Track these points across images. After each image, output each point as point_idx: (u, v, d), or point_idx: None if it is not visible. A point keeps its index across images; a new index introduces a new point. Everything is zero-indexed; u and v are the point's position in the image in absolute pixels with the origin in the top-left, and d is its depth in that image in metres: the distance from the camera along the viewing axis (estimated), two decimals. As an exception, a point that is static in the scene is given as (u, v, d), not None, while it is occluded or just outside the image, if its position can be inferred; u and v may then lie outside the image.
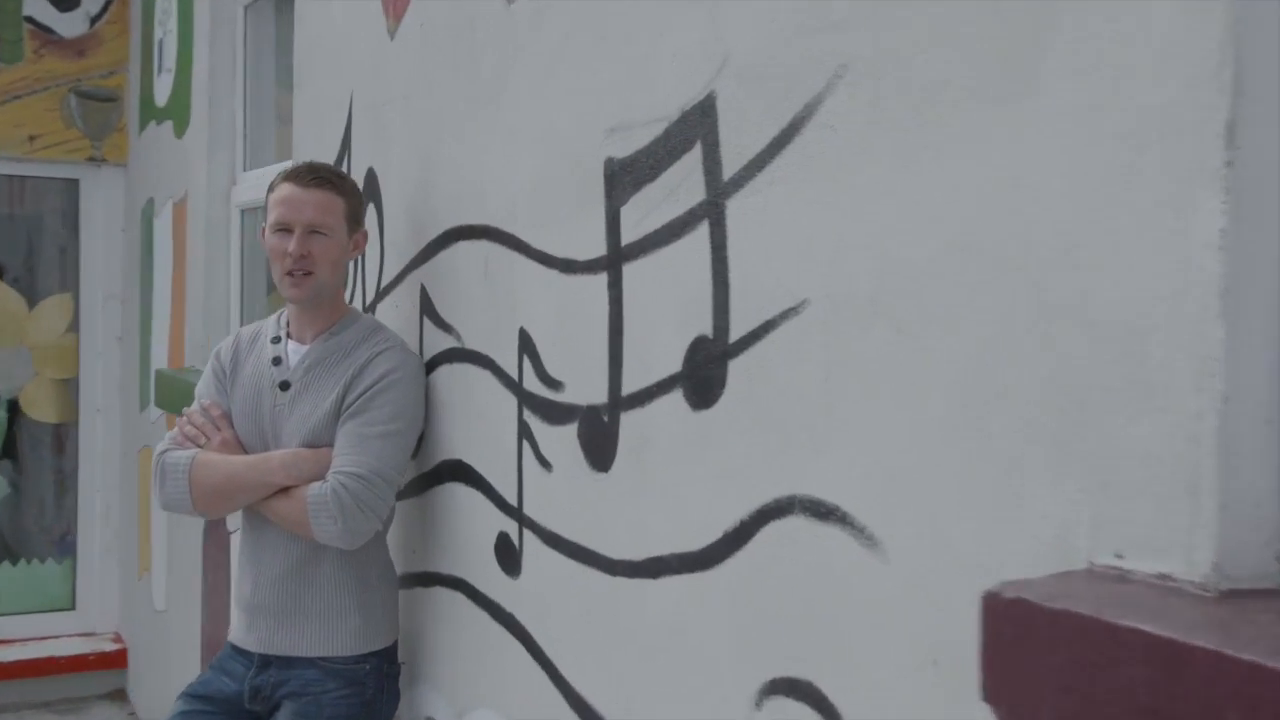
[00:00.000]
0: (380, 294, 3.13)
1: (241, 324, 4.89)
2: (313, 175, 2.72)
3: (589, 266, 2.21)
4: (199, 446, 2.78)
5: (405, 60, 2.97)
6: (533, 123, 2.40)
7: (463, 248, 2.69)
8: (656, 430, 2.02)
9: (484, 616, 2.60)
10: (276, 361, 2.80)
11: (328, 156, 3.46)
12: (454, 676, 2.74)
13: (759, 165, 1.78)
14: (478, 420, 2.61)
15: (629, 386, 2.10)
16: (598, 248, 2.18)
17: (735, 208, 1.83)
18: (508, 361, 2.49)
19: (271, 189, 2.78)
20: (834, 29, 1.63)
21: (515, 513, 2.46)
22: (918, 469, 1.51)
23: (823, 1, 1.65)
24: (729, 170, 1.85)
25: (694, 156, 1.93)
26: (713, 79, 1.88)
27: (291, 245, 2.68)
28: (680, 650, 1.96)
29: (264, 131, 4.94)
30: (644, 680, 2.05)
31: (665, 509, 2.00)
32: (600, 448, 2.17)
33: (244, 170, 4.95)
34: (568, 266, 2.28)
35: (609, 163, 2.15)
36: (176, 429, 2.84)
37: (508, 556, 2.49)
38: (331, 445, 2.69)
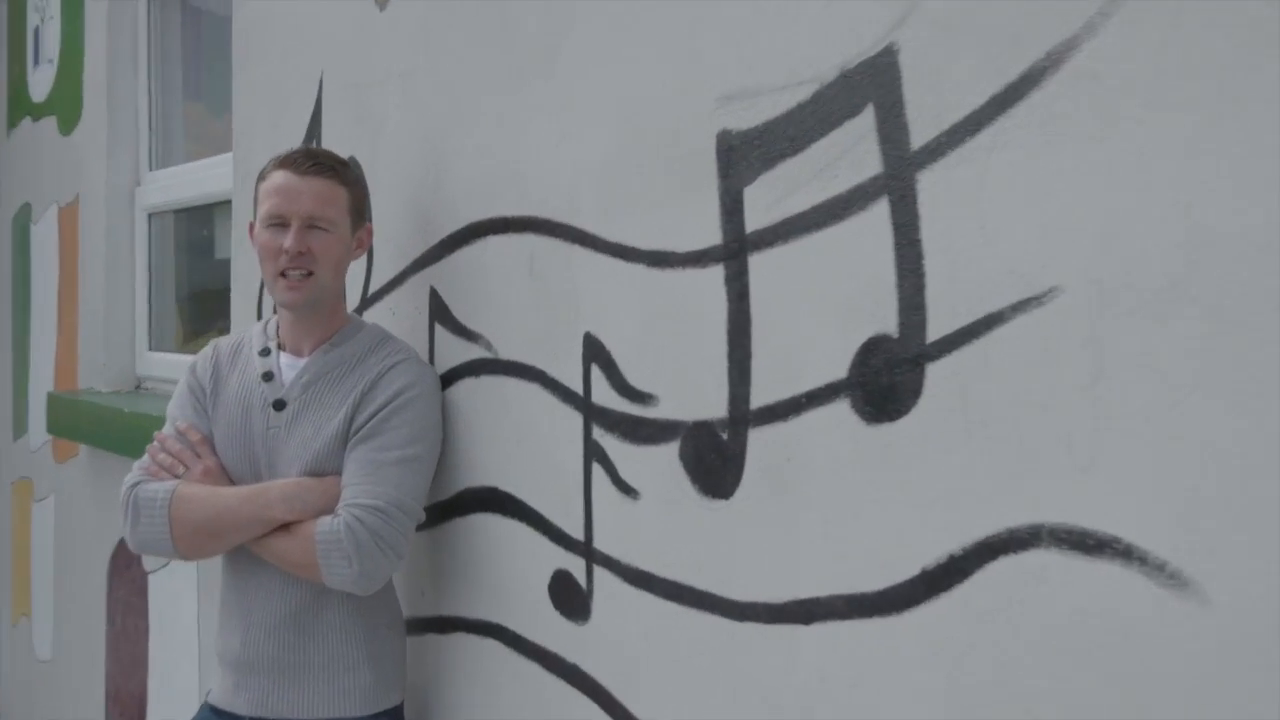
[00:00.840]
0: (368, 300, 2.75)
1: (150, 342, 4.41)
2: (311, 161, 2.34)
3: (696, 259, 1.88)
4: (176, 477, 2.36)
5: (402, 34, 2.61)
6: (600, 95, 2.07)
7: (494, 244, 2.33)
8: (808, 448, 1.70)
9: (532, 668, 2.25)
10: (268, 377, 2.40)
11: (286, 145, 3.05)
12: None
13: (971, 128, 1.48)
14: (521, 441, 2.26)
15: (761, 398, 1.78)
16: (708, 236, 1.86)
17: (932, 181, 1.53)
18: (567, 373, 2.14)
19: (262, 178, 2.38)
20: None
21: (581, 547, 2.11)
22: (1242, 489, 1.22)
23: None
24: (919, 137, 1.54)
25: (862, 123, 1.62)
26: (892, 29, 1.57)
27: (288, 241, 2.30)
28: (849, 706, 1.65)
29: (173, 125, 4.47)
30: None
31: (823, 541, 1.68)
32: (716, 470, 1.84)
33: (150, 170, 4.46)
34: (660, 259, 1.95)
35: (725, 136, 1.83)
36: (147, 457, 2.41)
37: (569, 598, 2.15)
38: (338, 473, 2.30)
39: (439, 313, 2.50)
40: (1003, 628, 1.47)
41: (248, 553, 2.35)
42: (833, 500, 1.67)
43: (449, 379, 2.46)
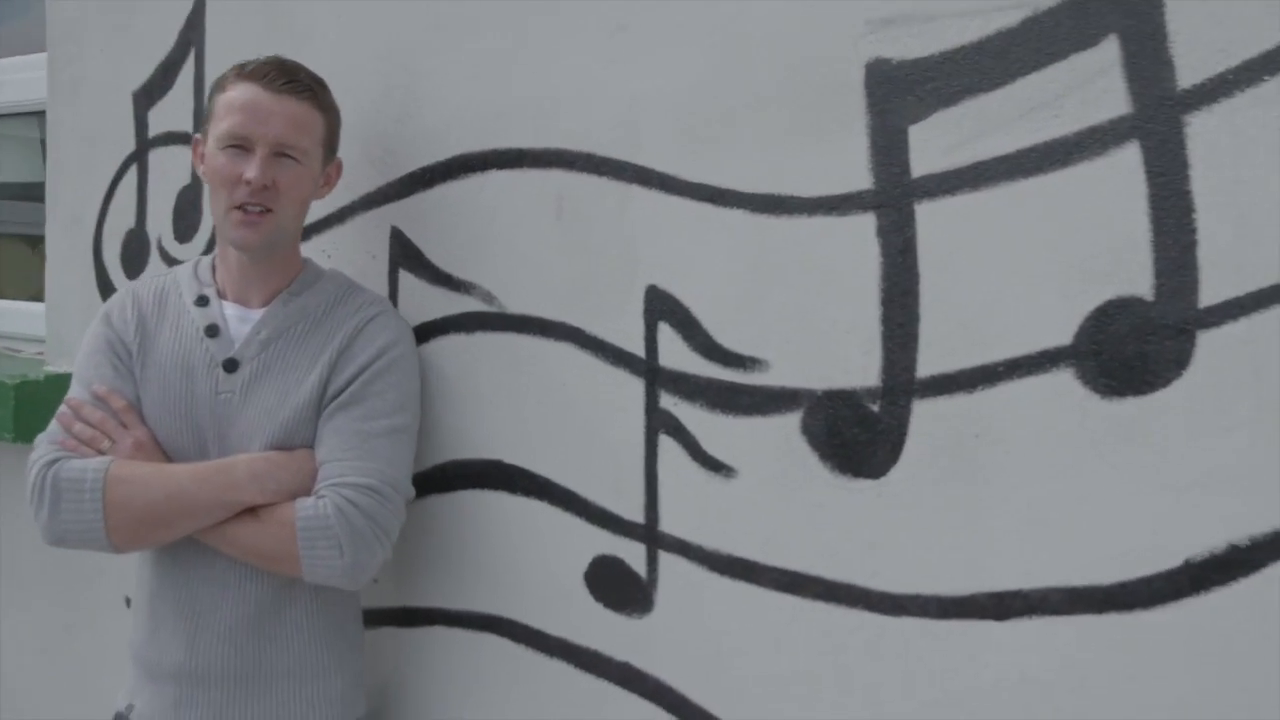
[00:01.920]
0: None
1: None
2: (286, 78, 1.92)
3: (830, 205, 1.64)
4: (99, 452, 1.91)
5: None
6: (672, 14, 1.77)
7: (498, 179, 2.00)
8: (1009, 422, 1.51)
9: (554, 666, 1.96)
10: (212, 331, 1.98)
11: (133, 51, 2.57)
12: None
13: (1267, 68, 1.31)
14: (543, 408, 1.95)
15: (932, 365, 1.56)
16: (849, 180, 1.62)
17: (1207, 125, 1.35)
18: (618, 331, 1.86)
19: (220, 88, 1.95)
20: None
21: (640, 530, 1.84)
22: None
23: None
24: (1190, 75, 1.36)
25: (1099, 56, 1.42)
26: (1151, -50, 1.38)
27: (252, 170, 1.89)
28: (1063, 710, 1.47)
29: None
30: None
31: (1029, 527, 1.50)
32: (859, 446, 1.62)
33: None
34: (771, 205, 1.70)
35: (877, 66, 1.59)
36: (56, 427, 1.95)
37: (618, 588, 1.87)
38: (308, 446, 1.93)
39: (406, 258, 2.14)
40: (1298, 626, 1.32)
41: (192, 544, 1.93)
42: (1047, 481, 1.48)
43: (423, 334, 2.10)
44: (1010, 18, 1.49)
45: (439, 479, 2.08)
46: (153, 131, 2.60)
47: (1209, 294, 1.37)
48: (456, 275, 2.06)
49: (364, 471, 1.86)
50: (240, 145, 1.89)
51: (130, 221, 2.64)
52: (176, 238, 2.53)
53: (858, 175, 1.62)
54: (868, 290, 1.61)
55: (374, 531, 1.85)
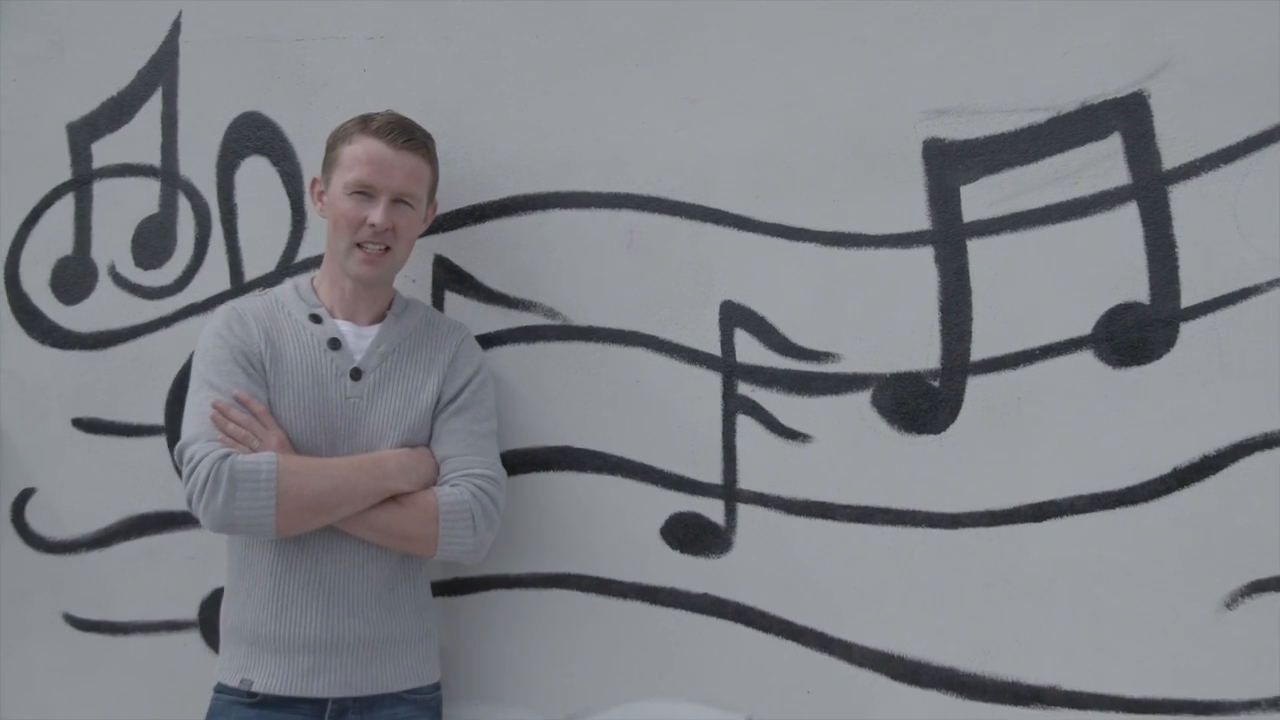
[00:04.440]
0: (292, 267, 2.57)
1: None
2: (406, 136, 2.24)
3: (895, 241, 2.28)
4: (250, 449, 2.11)
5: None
6: (743, 93, 2.34)
7: (560, 217, 2.44)
8: (1043, 388, 2.18)
9: (630, 606, 2.36)
10: (334, 345, 2.23)
11: (66, 87, 2.72)
12: (562, 683, 2.39)
13: (1225, 158, 2.14)
14: (616, 402, 2.37)
15: (982, 351, 2.22)
16: (913, 222, 2.27)
17: (1185, 193, 2.15)
18: (694, 337, 2.35)
19: (345, 139, 2.24)
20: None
21: (719, 490, 2.32)
22: None
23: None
24: (1172, 160, 2.16)
25: (1107, 145, 2.20)
26: (1142, 80, 2.18)
27: (378, 215, 2.20)
28: (1091, 581, 2.14)
29: None
30: (1024, 622, 2.17)
31: (1058, 457, 2.17)
32: (923, 412, 2.23)
33: None
34: (843, 240, 2.30)
35: (933, 143, 2.27)
36: (208, 426, 2.11)
37: (698, 537, 2.32)
38: (425, 444, 2.25)
39: (452, 281, 2.48)
40: (1255, 501, 2.08)
41: (320, 532, 2.16)
42: (1072, 425, 2.16)
43: (485, 345, 2.45)
44: (1040, 115, 2.21)
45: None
46: (100, 163, 2.70)
47: (1187, 299, 2.12)
48: (513, 295, 2.44)
49: (484, 465, 2.22)
50: (365, 192, 2.20)
51: (65, 249, 2.70)
52: (139, 264, 2.65)
53: (917, 219, 2.25)
54: (928, 300, 2.24)
55: (496, 512, 2.20)
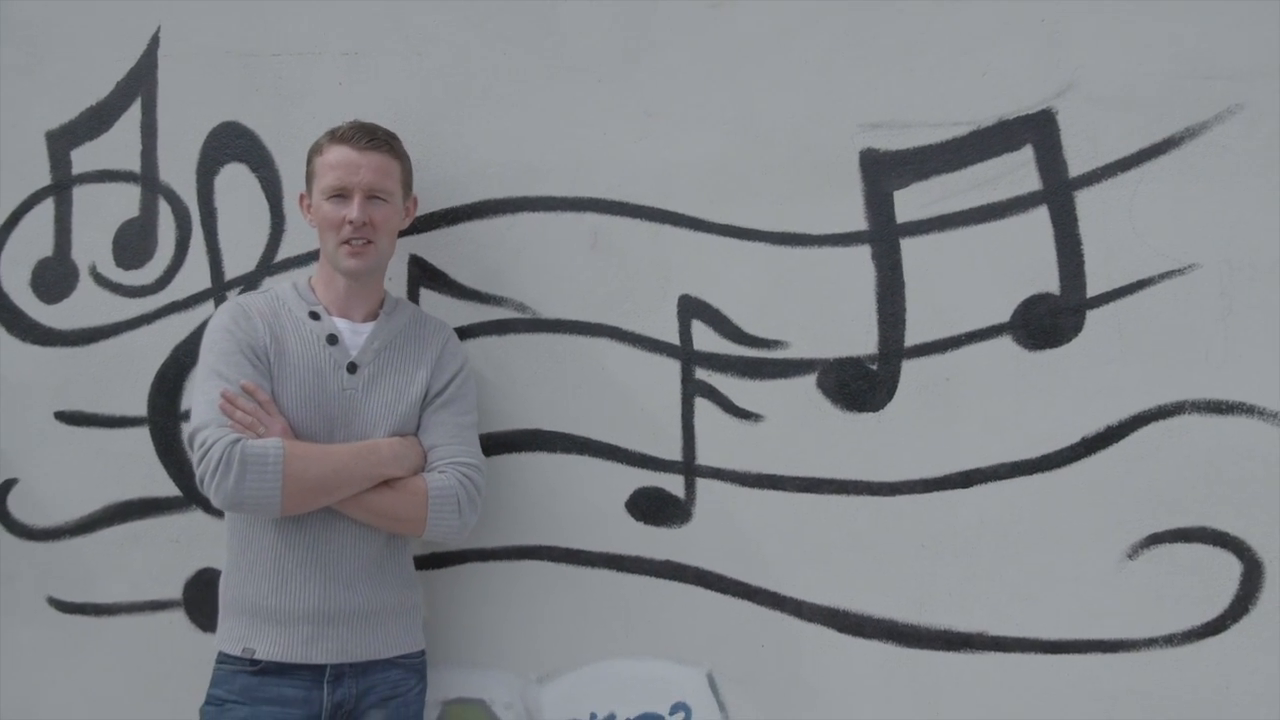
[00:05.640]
0: (271, 266, 2.76)
1: None
2: (369, 137, 2.44)
3: (836, 240, 2.55)
4: (257, 435, 2.30)
5: (345, 14, 2.76)
6: (697, 109, 2.59)
7: (527, 219, 2.67)
8: (968, 370, 2.47)
9: (597, 574, 2.59)
10: (332, 340, 2.43)
11: (45, 97, 2.87)
12: (536, 646, 2.61)
13: (1122, 167, 2.45)
14: (583, 388, 2.60)
15: (915, 338, 2.50)
16: (851, 223, 2.54)
17: (1088, 197, 2.45)
18: (654, 327, 2.59)
19: (317, 152, 2.44)
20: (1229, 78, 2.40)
21: (678, 466, 2.56)
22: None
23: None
24: (1076, 169, 2.47)
25: (1021, 156, 2.50)
26: (1050, 98, 2.49)
27: (353, 212, 2.40)
28: (1013, 538, 2.44)
29: None
30: (955, 577, 2.46)
31: (982, 431, 2.46)
32: (862, 393, 2.51)
33: None
34: (789, 239, 2.56)
35: (869, 153, 2.55)
36: (217, 413, 2.29)
37: (657, 509, 2.56)
38: (414, 434, 2.45)
39: (427, 279, 2.69)
40: (1151, 465, 2.39)
41: (322, 511, 2.34)
42: (994, 402, 2.45)
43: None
44: (962, 129, 2.50)
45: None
46: (80, 169, 2.85)
47: (1092, 289, 2.43)
48: (485, 291, 2.66)
49: (469, 454, 2.44)
50: (340, 194, 2.41)
51: (45, 251, 2.84)
52: (120, 265, 2.81)
53: (856, 221, 2.53)
54: (866, 292, 2.51)
55: (479, 497, 2.41)
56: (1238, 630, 2.35)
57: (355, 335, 2.44)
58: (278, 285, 2.53)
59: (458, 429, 2.44)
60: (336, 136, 2.44)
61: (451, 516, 2.35)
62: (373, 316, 2.47)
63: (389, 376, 2.42)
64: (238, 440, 2.24)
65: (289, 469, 2.24)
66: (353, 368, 2.40)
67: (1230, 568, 2.35)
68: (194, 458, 2.29)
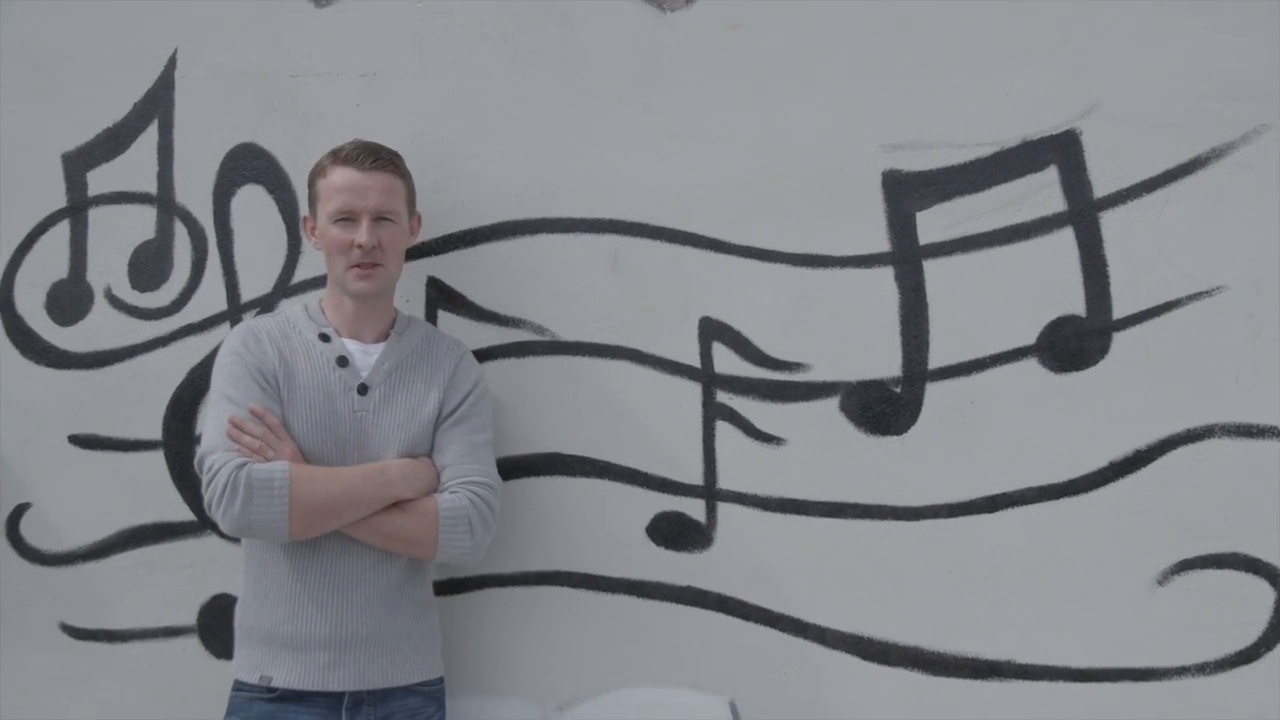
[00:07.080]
0: (288, 289, 2.73)
1: None
2: (373, 157, 2.41)
3: (859, 261, 2.52)
4: (266, 459, 2.27)
5: (364, 37, 2.74)
6: (718, 128, 2.57)
7: (547, 240, 2.64)
8: (993, 393, 2.44)
9: (616, 600, 2.56)
10: (342, 362, 2.40)
11: (62, 119, 2.84)
12: (555, 674, 2.57)
13: (1148, 188, 2.43)
14: (602, 411, 2.57)
15: (939, 360, 2.47)
16: (874, 245, 2.52)
17: (1113, 218, 2.43)
18: (675, 350, 2.56)
19: (321, 174, 2.42)
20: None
21: (699, 490, 2.53)
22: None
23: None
24: (1101, 189, 2.45)
25: (1045, 176, 2.48)
26: (1075, 119, 2.47)
27: (362, 235, 2.37)
28: (1040, 564, 2.40)
29: None
30: (981, 603, 2.42)
31: (1008, 453, 2.42)
32: (886, 415, 2.48)
33: None
34: (812, 261, 2.54)
35: (891, 174, 2.52)
36: (225, 438, 2.26)
37: (679, 533, 2.53)
38: (427, 454, 2.42)
39: (445, 300, 2.67)
40: (1180, 489, 2.36)
41: (331, 538, 2.31)
42: (1019, 425, 2.42)
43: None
44: (986, 150, 2.48)
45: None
46: (96, 191, 2.83)
47: (1118, 311, 2.40)
48: (503, 313, 2.64)
49: (481, 473, 2.39)
50: (348, 217, 2.38)
51: (61, 273, 2.82)
52: (136, 287, 2.78)
53: (878, 242, 2.51)
54: (889, 314, 2.48)
55: (493, 517, 2.37)
56: (1271, 658, 2.31)
57: (366, 356, 2.41)
58: (289, 308, 2.51)
59: (470, 448, 2.40)
60: (340, 158, 2.41)
61: (463, 538, 2.32)
62: (384, 337, 2.45)
63: (401, 397, 2.40)
64: (244, 464, 2.21)
65: (296, 492, 2.21)
66: (363, 389, 2.37)
67: (1263, 594, 2.31)
68: (202, 482, 2.26)
